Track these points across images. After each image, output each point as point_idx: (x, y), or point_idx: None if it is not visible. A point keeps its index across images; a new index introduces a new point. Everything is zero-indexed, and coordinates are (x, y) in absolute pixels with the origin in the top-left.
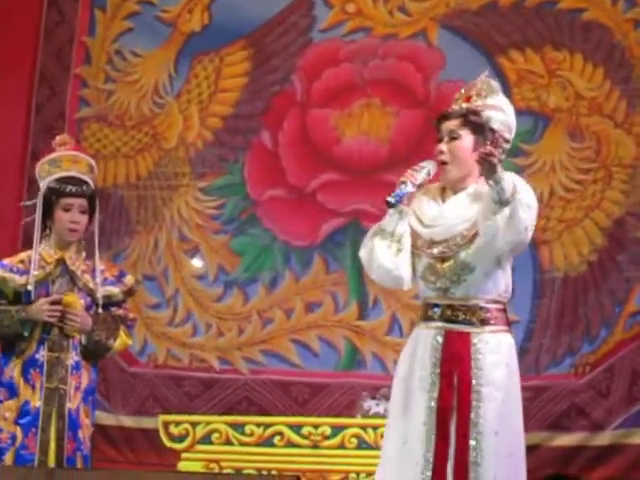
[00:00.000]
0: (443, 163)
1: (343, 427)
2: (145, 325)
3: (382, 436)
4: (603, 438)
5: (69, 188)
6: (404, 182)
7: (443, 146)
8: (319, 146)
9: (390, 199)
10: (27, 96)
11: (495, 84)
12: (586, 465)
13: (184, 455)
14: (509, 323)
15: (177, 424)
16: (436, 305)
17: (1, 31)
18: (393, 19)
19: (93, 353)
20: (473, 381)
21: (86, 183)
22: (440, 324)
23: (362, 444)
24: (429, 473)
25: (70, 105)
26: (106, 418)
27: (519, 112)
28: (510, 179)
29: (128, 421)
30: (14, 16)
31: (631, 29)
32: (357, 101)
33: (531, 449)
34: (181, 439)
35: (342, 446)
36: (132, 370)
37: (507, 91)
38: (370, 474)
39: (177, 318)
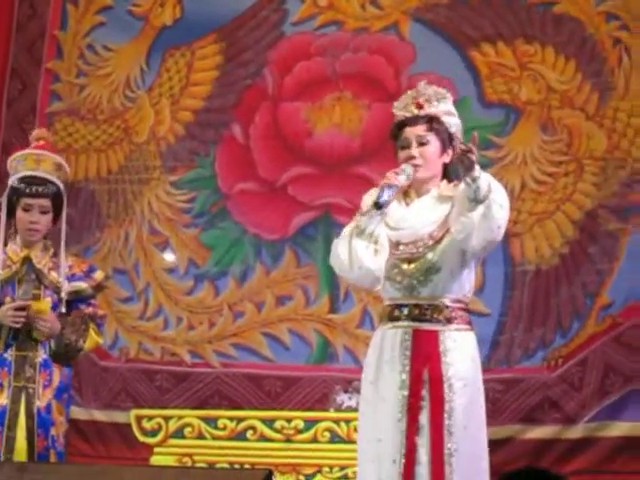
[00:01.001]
0: (416, 166)
1: (316, 421)
2: (116, 319)
3: (356, 430)
4: (576, 431)
5: (29, 188)
6: (389, 184)
7: (414, 151)
8: (290, 139)
9: (380, 200)
10: None
11: (441, 89)
12: (559, 458)
13: (157, 449)
14: (470, 322)
15: (150, 418)
16: (403, 305)
17: None
18: (365, 12)
19: (64, 356)
20: (444, 375)
21: (49, 183)
22: (407, 323)
23: (335, 438)
24: (401, 467)
25: (41, 99)
26: (78, 412)
27: (491, 105)
28: (486, 178)
29: (100, 415)
30: None
31: (602, 22)
32: (329, 94)
33: (504, 442)
34: (154, 433)
35: (315, 440)
36: (104, 364)
37: (479, 84)
38: (343, 468)
39: (148, 312)
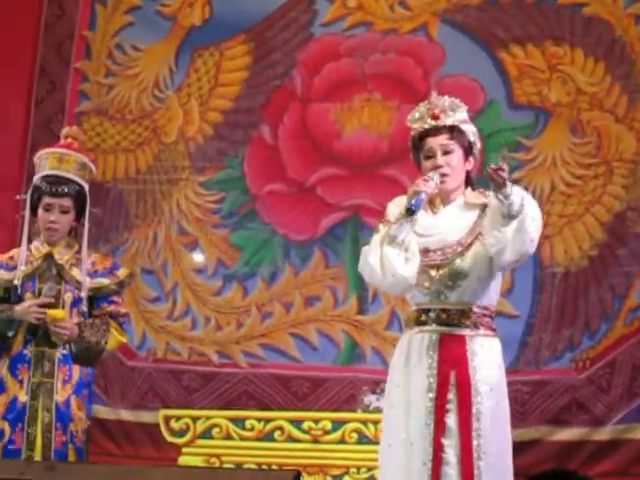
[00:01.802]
0: (444, 175)
1: (343, 422)
2: (144, 319)
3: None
4: (604, 433)
5: (50, 187)
6: (419, 191)
7: (440, 160)
8: (319, 140)
9: (412, 207)
10: (27, 90)
11: (454, 98)
12: (586, 460)
13: (185, 450)
14: (495, 329)
15: (178, 419)
16: (430, 310)
17: (1, 25)
18: (394, 14)
19: (85, 358)
20: (472, 380)
21: (71, 182)
22: (434, 327)
23: (363, 439)
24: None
25: (70, 99)
26: (105, 412)
27: (520, 107)
28: (518, 193)
29: (127, 415)
30: (14, 10)
31: (632, 24)
32: (358, 95)
33: (531, 444)
34: (182, 434)
35: (343, 441)
36: (131, 364)
37: (508, 86)
38: (371, 469)
39: (176, 312)
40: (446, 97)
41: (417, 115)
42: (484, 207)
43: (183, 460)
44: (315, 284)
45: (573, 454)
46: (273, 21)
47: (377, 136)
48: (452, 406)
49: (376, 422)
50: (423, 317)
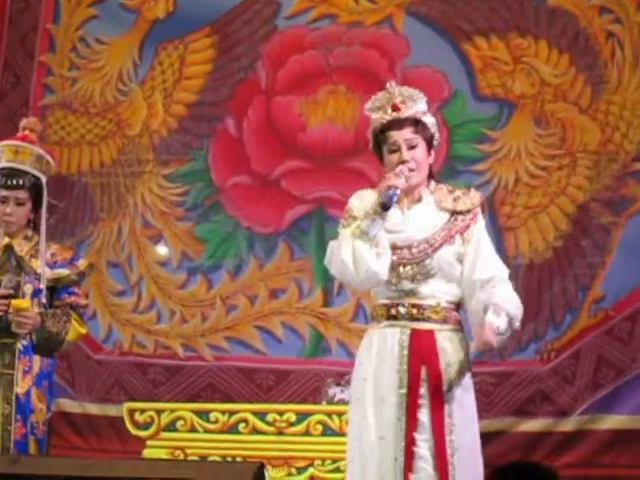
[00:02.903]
0: (411, 170)
1: (308, 414)
2: (110, 312)
3: (347, 423)
4: (568, 424)
5: (4, 180)
6: (392, 186)
7: (406, 155)
8: (284, 133)
9: (387, 202)
10: None
11: (413, 89)
12: (551, 451)
13: (149, 442)
14: (461, 322)
15: (142, 411)
16: (399, 304)
17: None
18: (358, 6)
19: (46, 348)
20: (443, 373)
21: (26, 175)
22: (404, 322)
23: (327, 431)
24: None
25: (34, 92)
26: (71, 405)
27: (484, 98)
28: (504, 323)
29: (93, 408)
30: None
31: (596, 15)
32: (322, 88)
33: (496, 435)
34: (146, 426)
35: (307, 433)
36: (97, 357)
37: (472, 77)
38: (335, 461)
39: (141, 305)
40: (405, 87)
41: (377, 104)
42: (453, 212)
43: (147, 453)
44: (280, 277)
45: (538, 445)
46: (237, 14)
47: (342, 128)
48: (424, 401)
49: (341, 414)
50: (393, 311)
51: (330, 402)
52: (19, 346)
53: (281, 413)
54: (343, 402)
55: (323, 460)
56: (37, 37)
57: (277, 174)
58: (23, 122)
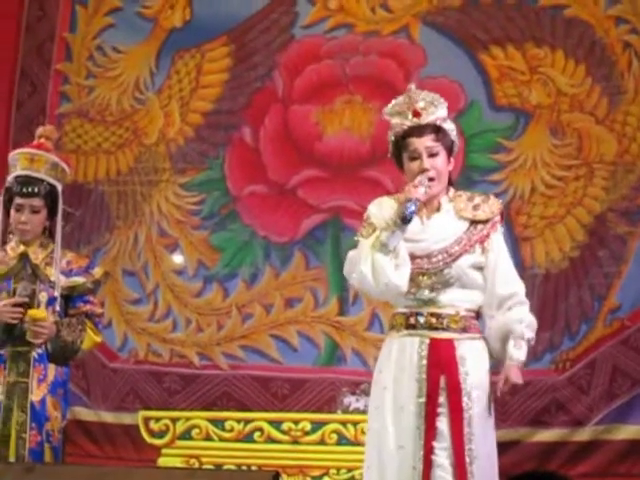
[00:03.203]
0: (431, 179)
1: (323, 423)
2: (125, 321)
3: (363, 433)
4: (583, 434)
5: (20, 188)
6: (412, 198)
7: (427, 164)
8: (300, 142)
9: (408, 216)
10: (8, 92)
11: (434, 94)
12: (566, 461)
13: (164, 451)
14: (481, 330)
15: (157, 420)
16: (419, 313)
17: None
18: (375, 16)
19: (61, 357)
20: (462, 383)
21: (42, 182)
22: (423, 332)
23: (342, 440)
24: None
25: (51, 101)
26: (86, 414)
27: (501, 108)
28: (524, 353)
29: (108, 417)
30: None
31: (612, 26)
32: (339, 97)
33: (511, 445)
34: (161, 435)
35: (322, 442)
36: (112, 366)
37: (489, 87)
38: (350, 470)
39: (157, 313)
40: (426, 91)
41: (397, 109)
42: (472, 221)
43: (162, 461)
44: (295, 285)
45: (553, 455)
46: (254, 23)
47: (358, 138)
48: (443, 410)
49: (356, 423)
50: (412, 320)
51: (345, 411)
52: (34, 354)
53: (296, 422)
54: (358, 411)
55: (338, 469)
56: (54, 46)
57: (293, 183)
58: (39, 130)
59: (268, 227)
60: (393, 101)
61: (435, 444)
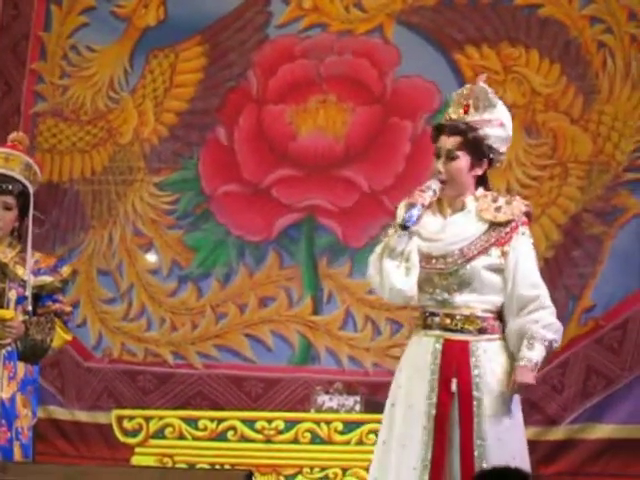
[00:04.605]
0: (441, 182)
1: (297, 422)
2: (100, 320)
3: (336, 431)
4: (557, 433)
5: None
6: (414, 204)
7: (440, 166)
8: (274, 142)
9: (406, 223)
10: None
11: (492, 95)
12: (540, 460)
13: (137, 449)
14: (503, 331)
15: (130, 418)
16: (434, 314)
17: None
18: (349, 15)
19: (31, 356)
20: (474, 389)
21: (15, 181)
22: (438, 332)
23: (315, 439)
24: (426, 478)
25: (26, 100)
26: (60, 413)
27: None
28: (539, 349)
29: (82, 416)
30: None
31: (587, 26)
32: (313, 97)
33: None
34: (134, 434)
35: (296, 441)
36: (87, 365)
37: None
38: (324, 468)
39: (131, 313)
40: (486, 90)
41: (458, 98)
42: (492, 223)
43: (136, 460)
44: (269, 285)
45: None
46: (228, 22)
47: (332, 137)
48: (452, 413)
49: (329, 422)
50: (428, 321)
51: (319, 410)
52: (3, 352)
53: (270, 421)
54: (332, 410)
55: (312, 468)
56: (29, 45)
57: (267, 183)
58: (12, 136)
59: (242, 226)
60: (460, 88)
61: (443, 448)
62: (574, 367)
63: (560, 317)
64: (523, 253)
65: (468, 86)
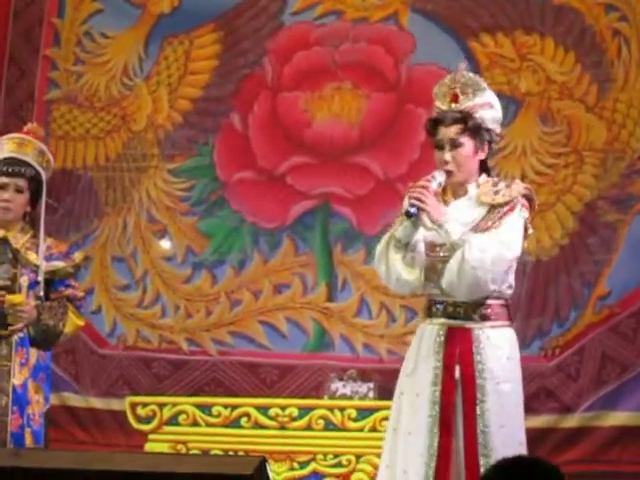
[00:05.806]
0: (449, 172)
1: (310, 408)
2: (114, 306)
3: (350, 418)
4: (572, 421)
5: (6, 168)
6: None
7: (447, 156)
8: (289, 129)
9: (411, 211)
10: None
11: (478, 78)
12: (555, 448)
13: (151, 436)
14: (510, 317)
15: (144, 405)
16: (439, 302)
17: None
18: (364, 2)
19: (43, 341)
20: (476, 376)
21: (28, 166)
22: (442, 320)
23: (329, 425)
24: (433, 465)
25: (39, 87)
26: (75, 399)
27: None
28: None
29: (97, 403)
30: None
31: (602, 13)
32: (328, 84)
33: None
34: (148, 420)
35: (309, 427)
36: (102, 352)
37: (478, 75)
38: (337, 455)
39: (146, 299)
40: (470, 75)
41: (442, 90)
42: (492, 206)
43: (149, 447)
44: (284, 272)
45: (541, 442)
46: (243, 9)
47: (347, 124)
48: (457, 400)
49: (343, 409)
50: (433, 309)
51: (332, 397)
52: (15, 338)
53: (283, 408)
54: (345, 397)
55: (325, 455)
56: (42, 31)
57: (282, 170)
58: (27, 127)
59: (257, 213)
60: (442, 80)
61: (448, 435)
62: (589, 355)
63: (575, 304)
64: (508, 221)
65: (448, 77)
